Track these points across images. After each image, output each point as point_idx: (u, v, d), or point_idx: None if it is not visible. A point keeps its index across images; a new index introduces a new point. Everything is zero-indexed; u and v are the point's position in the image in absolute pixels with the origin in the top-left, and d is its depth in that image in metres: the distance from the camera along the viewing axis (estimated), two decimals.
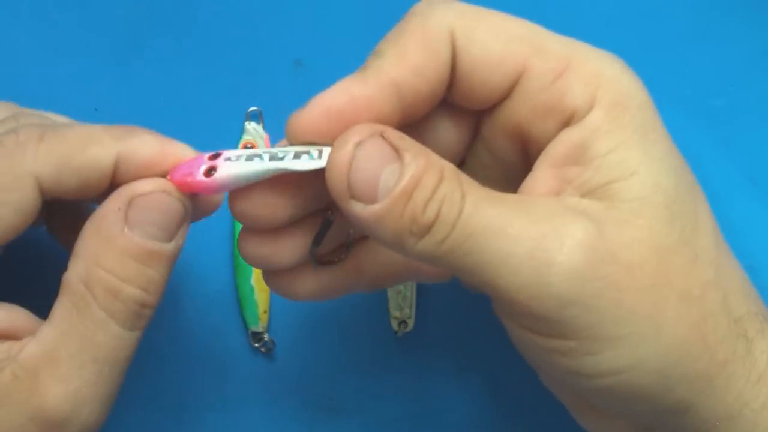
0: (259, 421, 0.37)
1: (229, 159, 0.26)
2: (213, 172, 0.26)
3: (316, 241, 0.28)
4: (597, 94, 0.26)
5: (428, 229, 0.24)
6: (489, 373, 0.37)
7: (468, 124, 0.29)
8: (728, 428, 0.26)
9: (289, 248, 0.28)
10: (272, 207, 0.27)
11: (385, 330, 0.37)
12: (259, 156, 0.26)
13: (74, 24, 0.39)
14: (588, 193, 0.26)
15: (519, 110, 0.27)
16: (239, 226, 0.36)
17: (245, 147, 0.38)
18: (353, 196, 0.24)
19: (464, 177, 0.25)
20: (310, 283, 0.29)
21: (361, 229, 0.26)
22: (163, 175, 0.27)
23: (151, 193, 0.27)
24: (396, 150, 0.24)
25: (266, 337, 0.37)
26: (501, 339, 0.38)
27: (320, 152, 0.25)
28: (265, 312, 0.37)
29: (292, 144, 0.26)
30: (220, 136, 0.38)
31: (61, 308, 0.27)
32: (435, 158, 0.25)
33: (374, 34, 0.27)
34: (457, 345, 0.38)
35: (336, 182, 0.24)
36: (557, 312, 0.24)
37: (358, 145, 0.24)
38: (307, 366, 0.37)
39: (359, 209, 0.24)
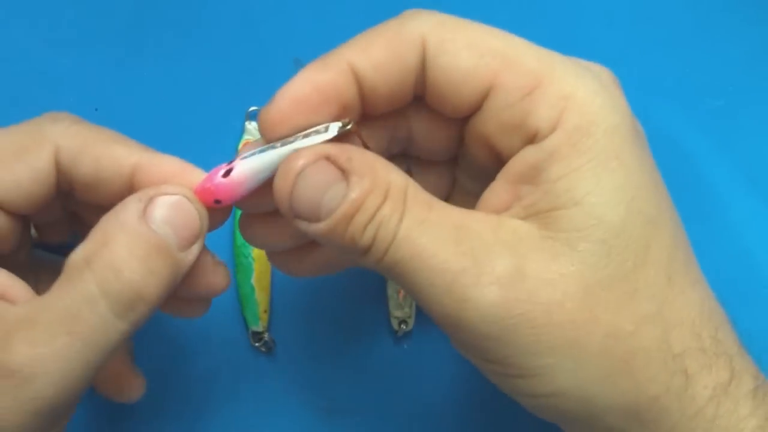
0: (259, 420, 0.37)
1: (244, 158, 0.27)
2: (230, 170, 0.27)
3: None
4: (561, 117, 0.25)
5: (367, 250, 0.25)
6: None
7: (454, 127, 0.28)
8: None
9: (290, 231, 0.28)
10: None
11: (385, 330, 0.38)
12: (272, 146, 0.26)
13: (74, 24, 0.39)
14: (533, 215, 0.26)
15: (488, 123, 0.27)
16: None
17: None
18: (297, 217, 0.26)
19: (412, 192, 0.26)
20: (311, 260, 0.30)
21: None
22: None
23: (174, 195, 0.27)
24: (343, 171, 0.25)
25: (266, 336, 0.37)
26: None
27: (326, 128, 0.26)
28: (265, 311, 0.37)
29: (266, 135, 0.27)
30: (220, 136, 0.38)
31: (56, 283, 0.26)
32: (382, 176, 0.25)
33: None
34: None
35: (280, 204, 0.26)
36: (476, 342, 0.25)
37: (301, 171, 0.25)
38: (307, 366, 0.37)
39: (304, 226, 0.26)
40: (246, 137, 0.38)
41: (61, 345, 0.25)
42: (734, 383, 0.25)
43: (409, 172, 0.29)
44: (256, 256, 0.37)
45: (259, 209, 0.28)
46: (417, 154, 0.30)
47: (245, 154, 0.27)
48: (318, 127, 0.26)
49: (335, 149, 0.26)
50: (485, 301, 0.24)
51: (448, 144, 0.29)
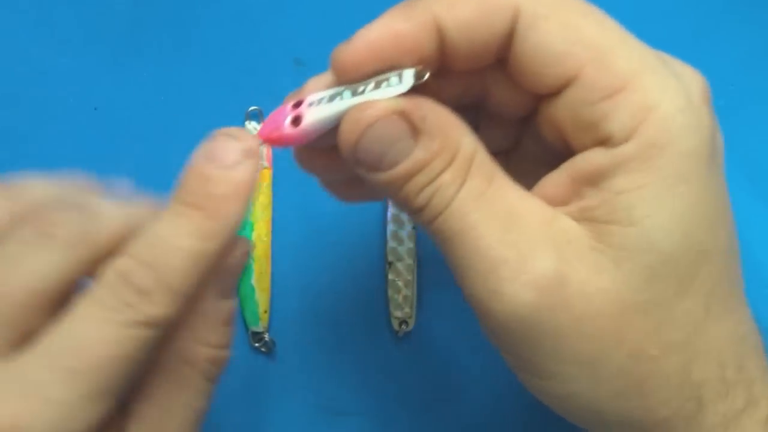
0: (259, 420, 0.37)
1: (311, 104, 0.26)
2: (300, 120, 0.26)
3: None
4: (639, 129, 0.24)
5: (419, 211, 0.25)
6: (489, 373, 0.37)
7: (530, 98, 0.27)
8: None
9: (341, 166, 0.28)
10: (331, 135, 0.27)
11: (385, 330, 0.37)
12: (341, 94, 0.26)
13: (74, 24, 0.39)
14: (588, 220, 0.25)
15: (563, 112, 0.26)
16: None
17: None
18: (358, 163, 0.25)
19: (478, 161, 0.25)
20: (361, 191, 0.31)
21: None
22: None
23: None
24: (414, 129, 0.25)
25: (266, 336, 0.37)
26: None
27: (400, 76, 0.25)
28: (265, 312, 0.37)
29: (337, 75, 0.26)
30: None
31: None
32: (453, 140, 0.25)
33: None
34: (457, 345, 0.38)
35: (343, 150, 0.25)
36: (499, 334, 0.25)
37: (372, 124, 0.25)
38: (307, 366, 0.37)
39: (363, 172, 0.26)
40: None
41: None
42: (749, 410, 0.25)
43: (476, 125, 0.28)
44: (256, 256, 0.37)
45: (318, 145, 0.28)
46: (487, 110, 0.29)
47: (313, 98, 0.26)
48: (391, 74, 0.25)
49: (410, 104, 0.25)
50: (519, 299, 0.24)
51: (520, 111, 0.28)
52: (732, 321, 0.26)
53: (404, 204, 0.26)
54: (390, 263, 0.37)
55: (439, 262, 0.38)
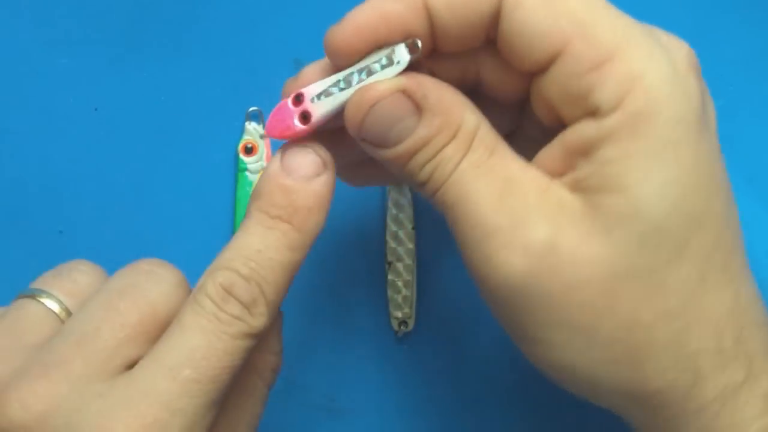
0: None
1: (313, 99, 0.27)
2: (307, 116, 0.27)
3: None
4: (625, 99, 0.24)
5: (423, 184, 0.26)
6: (489, 373, 0.37)
7: (523, 77, 0.28)
8: None
9: (352, 148, 0.28)
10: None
11: (385, 330, 0.37)
12: (338, 84, 0.27)
13: (74, 24, 0.39)
14: (581, 190, 0.25)
15: (552, 87, 0.26)
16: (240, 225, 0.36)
17: (245, 147, 0.38)
18: (364, 141, 0.27)
19: (481, 134, 0.26)
20: (368, 174, 0.32)
21: None
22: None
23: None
24: (417, 106, 0.26)
25: None
26: (501, 339, 0.38)
27: (389, 56, 0.26)
28: None
29: (331, 58, 0.27)
30: (220, 136, 0.38)
31: None
32: (455, 116, 0.26)
33: None
34: (457, 345, 0.38)
35: (350, 129, 0.27)
36: (494, 302, 0.26)
37: (375, 104, 0.26)
38: (307, 366, 0.37)
39: (370, 149, 0.27)
40: (246, 137, 0.38)
41: None
42: (748, 384, 0.25)
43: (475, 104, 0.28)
44: None
45: (324, 129, 0.28)
46: (485, 93, 0.30)
47: (313, 91, 0.27)
48: (383, 53, 0.26)
49: (412, 83, 0.26)
50: (510, 266, 0.25)
51: (515, 91, 0.28)
52: (730, 291, 0.26)
53: (409, 178, 0.27)
54: (390, 263, 0.37)
55: (439, 263, 0.38)
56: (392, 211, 0.37)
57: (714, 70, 0.40)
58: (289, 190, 0.27)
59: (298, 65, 0.39)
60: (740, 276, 0.26)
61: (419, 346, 0.38)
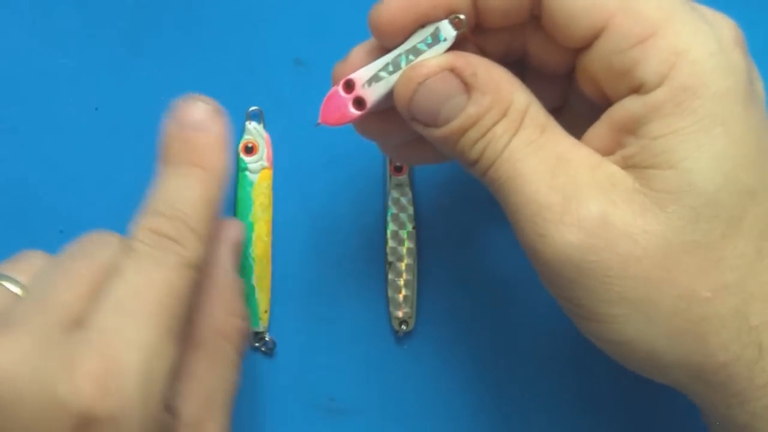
0: (258, 420, 0.37)
1: (364, 85, 0.28)
2: (361, 102, 0.28)
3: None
4: (670, 73, 0.24)
5: (474, 163, 0.27)
6: (489, 373, 0.37)
7: (568, 53, 0.28)
8: (727, 418, 0.26)
9: (402, 128, 0.29)
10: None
11: (385, 330, 0.37)
12: (387, 68, 0.27)
13: (74, 23, 0.39)
14: (630, 167, 0.25)
15: (596, 63, 0.26)
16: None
17: (245, 147, 0.38)
18: (414, 119, 0.27)
19: (532, 113, 0.26)
20: (420, 153, 0.32)
21: None
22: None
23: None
24: (466, 85, 0.26)
25: (267, 337, 0.37)
26: (501, 339, 0.38)
27: (435, 33, 0.26)
28: (265, 312, 0.37)
29: (376, 37, 0.27)
30: None
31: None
32: (505, 94, 0.26)
33: None
34: (457, 345, 0.38)
35: (399, 108, 0.27)
36: (551, 278, 0.26)
37: (423, 81, 0.26)
38: (307, 366, 0.37)
39: (420, 128, 0.27)
40: (246, 137, 0.38)
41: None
42: None
43: (522, 78, 0.28)
44: (257, 256, 0.37)
45: (376, 110, 0.29)
46: (532, 68, 0.30)
47: (363, 76, 0.27)
48: (429, 30, 0.26)
49: (461, 61, 0.26)
50: (563, 240, 0.25)
51: (562, 66, 0.28)
52: None
53: (460, 157, 0.27)
54: (390, 263, 0.37)
55: (439, 262, 0.38)
56: (393, 210, 0.37)
57: None
58: (188, 138, 0.29)
59: (298, 65, 0.39)
60: None
61: (419, 346, 0.38)
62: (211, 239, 0.29)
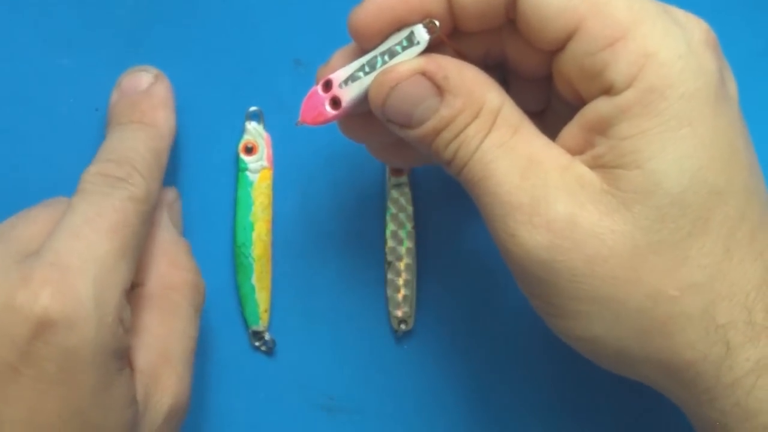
0: (258, 420, 0.37)
1: (341, 85, 0.28)
2: (337, 101, 0.28)
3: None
4: (638, 75, 0.25)
5: (448, 163, 0.27)
6: (489, 373, 0.37)
7: (545, 55, 0.28)
8: (699, 415, 0.27)
9: (382, 130, 0.29)
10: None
11: (385, 330, 0.38)
12: (363, 69, 0.28)
13: (74, 23, 0.39)
14: (599, 167, 0.26)
15: (569, 65, 0.26)
16: (240, 226, 0.36)
17: (245, 147, 0.38)
18: (389, 121, 0.28)
19: (504, 113, 0.27)
20: (406, 154, 0.32)
21: None
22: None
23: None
24: (438, 88, 0.26)
25: (267, 336, 0.37)
26: (501, 339, 0.38)
27: (410, 37, 0.27)
28: (265, 311, 0.37)
29: (355, 39, 0.28)
30: (220, 136, 0.38)
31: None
32: (478, 95, 0.26)
33: None
34: (457, 345, 0.38)
35: (374, 110, 0.28)
36: (520, 277, 0.27)
37: (395, 86, 0.27)
38: (307, 365, 0.37)
39: (396, 129, 0.28)
40: (246, 137, 0.38)
41: None
42: None
43: (504, 81, 0.29)
44: (256, 256, 0.37)
45: (357, 112, 0.29)
46: (512, 69, 0.30)
47: (341, 76, 0.28)
48: (404, 34, 0.27)
49: (432, 64, 0.27)
50: (532, 241, 0.25)
51: (540, 69, 0.29)
52: (759, 264, 0.26)
53: (436, 157, 0.27)
54: (389, 263, 0.37)
55: (438, 262, 0.38)
56: (392, 210, 0.37)
57: None
58: (133, 102, 0.32)
59: (298, 65, 0.39)
60: None
61: (419, 346, 0.38)
62: (159, 183, 0.31)
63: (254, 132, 0.38)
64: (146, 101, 0.32)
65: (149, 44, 0.39)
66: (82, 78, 0.38)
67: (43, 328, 0.25)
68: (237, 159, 0.38)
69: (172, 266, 0.31)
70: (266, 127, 0.38)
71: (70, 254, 0.27)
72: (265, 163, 0.38)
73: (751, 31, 0.40)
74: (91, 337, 0.26)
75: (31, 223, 0.29)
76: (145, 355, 0.29)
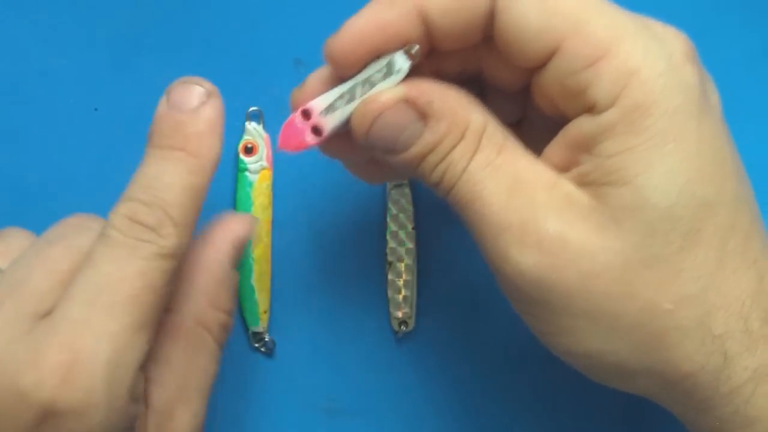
0: (259, 421, 0.37)
1: (321, 113, 0.28)
2: (319, 130, 0.28)
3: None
4: (621, 94, 0.25)
5: (436, 185, 0.27)
6: (488, 374, 0.37)
7: (523, 71, 0.28)
8: (696, 423, 0.27)
9: (361, 149, 0.29)
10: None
11: (385, 330, 0.37)
12: (344, 98, 0.28)
13: (74, 24, 0.39)
14: (586, 184, 0.26)
15: (550, 83, 0.26)
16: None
17: (245, 147, 0.38)
18: (373, 149, 0.27)
19: (488, 133, 0.26)
20: (384, 171, 0.32)
21: None
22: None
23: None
24: (422, 114, 0.26)
25: (267, 337, 0.37)
26: (501, 339, 0.38)
27: (388, 66, 0.27)
28: (265, 312, 0.37)
29: (333, 68, 0.28)
30: None
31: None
32: (461, 118, 0.26)
33: None
34: (457, 345, 0.38)
35: (358, 138, 0.27)
36: (513, 296, 0.27)
37: (378, 115, 0.26)
38: (307, 366, 0.37)
39: (380, 155, 0.28)
40: (246, 137, 0.38)
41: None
42: None
43: (481, 93, 0.29)
44: (257, 256, 0.37)
45: (335, 135, 0.29)
46: (489, 83, 0.30)
47: (321, 104, 0.28)
48: (383, 62, 0.27)
49: (415, 91, 0.26)
50: (523, 261, 0.25)
51: (517, 84, 0.29)
52: (752, 273, 0.26)
53: (422, 179, 0.27)
54: (390, 263, 0.37)
55: (439, 263, 0.38)
56: (392, 210, 0.37)
57: (714, 71, 0.40)
58: (178, 122, 0.28)
59: (298, 65, 0.39)
60: (763, 258, 0.26)
61: (419, 346, 0.38)
62: (192, 228, 0.28)
63: (254, 132, 0.38)
64: (192, 125, 0.28)
65: (149, 44, 0.39)
66: (81, 78, 0.38)
67: (47, 417, 0.24)
68: (237, 159, 0.38)
69: (210, 305, 0.30)
70: (266, 128, 0.38)
71: (85, 331, 0.25)
72: (264, 163, 0.38)
73: (747, 33, 0.40)
74: (100, 421, 0.25)
75: (50, 270, 0.27)
76: (161, 391, 0.28)
